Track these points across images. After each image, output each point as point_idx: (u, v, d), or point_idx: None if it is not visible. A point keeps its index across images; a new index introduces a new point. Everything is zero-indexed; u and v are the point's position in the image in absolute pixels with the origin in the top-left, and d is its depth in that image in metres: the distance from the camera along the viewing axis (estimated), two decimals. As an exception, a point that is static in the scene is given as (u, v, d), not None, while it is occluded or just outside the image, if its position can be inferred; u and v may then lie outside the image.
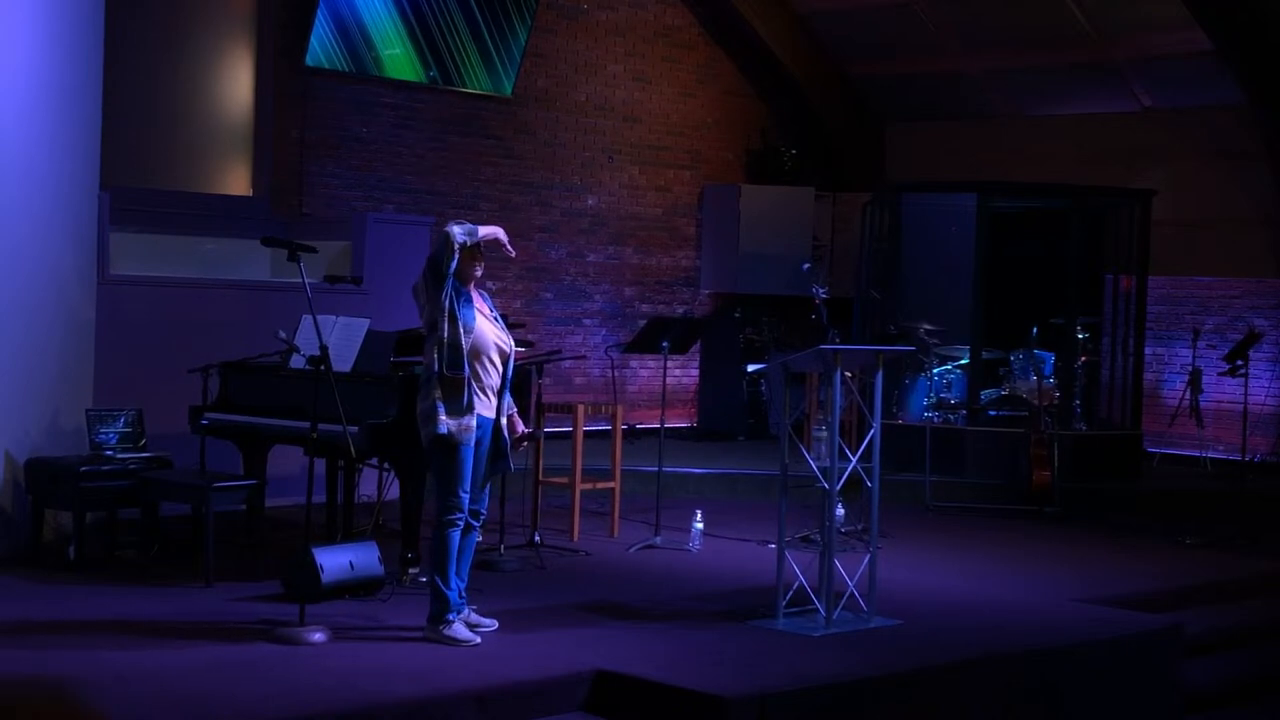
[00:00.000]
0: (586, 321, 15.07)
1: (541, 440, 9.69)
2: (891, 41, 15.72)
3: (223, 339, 9.55)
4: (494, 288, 14.26)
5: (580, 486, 9.79)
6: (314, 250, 7.81)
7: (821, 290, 10.30)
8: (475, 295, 7.16)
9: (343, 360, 8.30)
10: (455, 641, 6.80)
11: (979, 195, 13.29)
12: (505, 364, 7.19)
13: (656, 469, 10.14)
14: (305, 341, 7.90)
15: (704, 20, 15.84)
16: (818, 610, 7.47)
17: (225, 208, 12.22)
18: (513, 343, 7.27)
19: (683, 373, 15.52)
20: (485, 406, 7.07)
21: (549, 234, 14.75)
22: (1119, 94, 15.04)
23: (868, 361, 8.06)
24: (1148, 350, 13.88)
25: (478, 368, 7.02)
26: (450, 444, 6.93)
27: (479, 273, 7.14)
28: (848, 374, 8.18)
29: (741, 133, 16.19)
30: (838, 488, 7.56)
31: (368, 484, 9.56)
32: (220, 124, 12.54)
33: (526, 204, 14.55)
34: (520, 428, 7.37)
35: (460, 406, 6.92)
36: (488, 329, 7.10)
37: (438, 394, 6.92)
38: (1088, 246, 13.55)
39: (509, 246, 7.29)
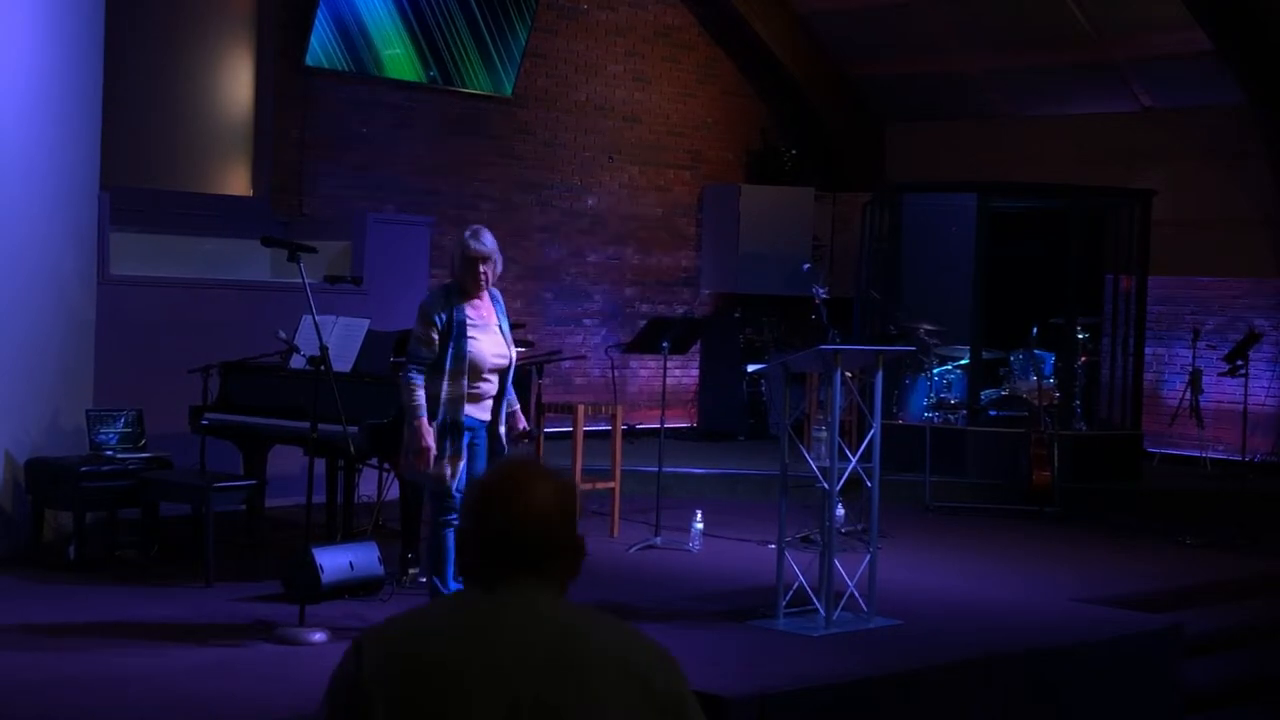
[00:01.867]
0: (586, 321, 15.07)
1: (541, 440, 9.69)
2: (891, 41, 15.73)
3: (223, 339, 9.56)
4: (494, 288, 14.26)
5: (580, 486, 9.79)
6: (314, 250, 7.82)
7: (821, 290, 10.30)
8: (484, 301, 7.18)
9: (343, 360, 8.30)
10: None
11: (979, 195, 13.29)
12: (505, 372, 7.23)
13: (656, 469, 10.13)
14: (305, 341, 7.90)
15: (704, 20, 15.84)
16: (818, 610, 7.46)
17: (225, 208, 12.22)
18: (513, 352, 7.28)
19: (683, 373, 15.52)
20: (480, 410, 7.15)
21: (549, 234, 14.75)
22: (1119, 94, 15.04)
23: (868, 361, 8.06)
24: (1148, 350, 13.88)
25: (472, 379, 7.12)
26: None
27: (485, 280, 7.12)
28: (848, 374, 8.18)
29: (741, 133, 16.19)
30: (838, 488, 7.55)
31: (368, 484, 9.56)
32: (220, 124, 12.54)
33: (526, 204, 14.55)
34: (521, 424, 7.43)
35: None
36: (486, 345, 7.12)
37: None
38: (1088, 246, 13.55)
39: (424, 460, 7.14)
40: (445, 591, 6.98)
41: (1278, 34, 13.57)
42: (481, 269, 7.08)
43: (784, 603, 7.50)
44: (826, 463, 7.60)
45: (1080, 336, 13.14)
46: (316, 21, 12.67)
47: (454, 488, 7.06)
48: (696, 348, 14.92)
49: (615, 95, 15.23)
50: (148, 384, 9.60)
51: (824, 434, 8.61)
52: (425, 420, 7.04)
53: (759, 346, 15.02)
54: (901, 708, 6.73)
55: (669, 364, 11.17)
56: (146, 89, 11.91)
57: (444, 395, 7.02)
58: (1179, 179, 14.48)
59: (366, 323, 8.70)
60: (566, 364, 13.94)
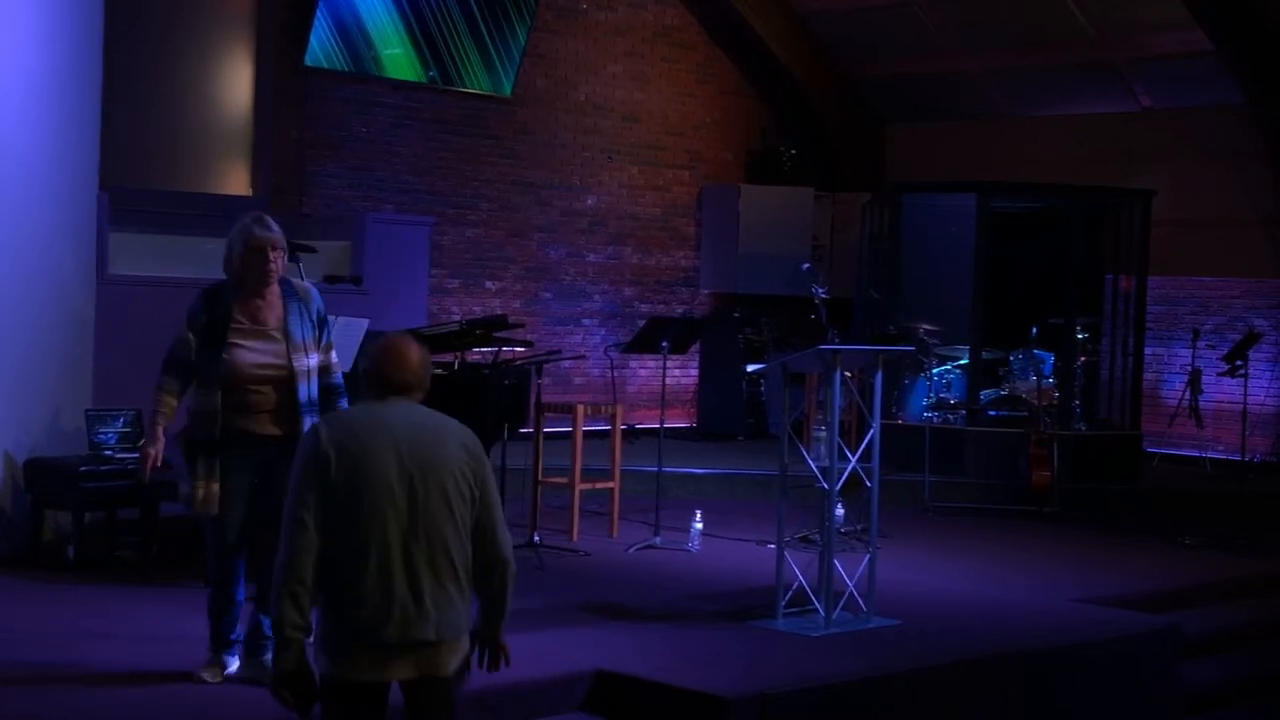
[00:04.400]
0: (586, 321, 15.07)
1: (541, 440, 9.69)
2: (892, 41, 15.72)
3: (222, 339, 9.53)
4: (492, 288, 14.27)
5: (580, 486, 9.78)
6: (314, 250, 7.82)
7: (821, 290, 10.29)
8: (269, 301, 6.17)
9: (342, 360, 8.28)
10: (214, 679, 6.00)
11: (979, 195, 13.28)
12: (289, 382, 6.08)
13: (656, 469, 10.13)
14: (305, 341, 7.87)
15: (703, 20, 15.83)
16: (817, 610, 7.46)
17: (225, 208, 12.20)
18: (304, 362, 6.13)
19: (682, 373, 15.52)
20: (254, 422, 6.07)
21: (548, 234, 14.75)
22: (1119, 94, 15.04)
23: (867, 361, 8.06)
24: (1147, 350, 13.88)
25: (237, 391, 6.07)
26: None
27: (274, 271, 6.18)
28: (847, 374, 8.18)
29: (741, 133, 16.19)
30: (837, 488, 7.55)
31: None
32: (220, 124, 12.53)
33: (526, 204, 14.55)
34: None
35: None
36: (250, 353, 6.05)
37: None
38: (1088, 246, 13.55)
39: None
40: (221, 626, 6.07)
41: (1278, 34, 13.57)
42: (271, 257, 6.15)
43: (783, 603, 7.50)
44: (826, 463, 7.60)
45: (1080, 336, 13.14)
46: (316, 21, 12.67)
47: (212, 513, 6.04)
48: (696, 348, 14.92)
49: (615, 95, 15.23)
50: (147, 384, 9.54)
51: (824, 434, 8.60)
52: (158, 425, 6.13)
53: (758, 346, 15.02)
54: (901, 708, 6.73)
55: (668, 364, 11.16)
56: (146, 89, 11.91)
57: (193, 407, 6.07)
58: (1179, 179, 14.48)
59: (366, 322, 8.69)
60: (566, 364, 13.93)
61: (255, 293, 6.13)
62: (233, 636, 6.13)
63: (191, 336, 6.14)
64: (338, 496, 4.25)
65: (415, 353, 4.45)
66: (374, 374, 4.43)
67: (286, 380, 6.07)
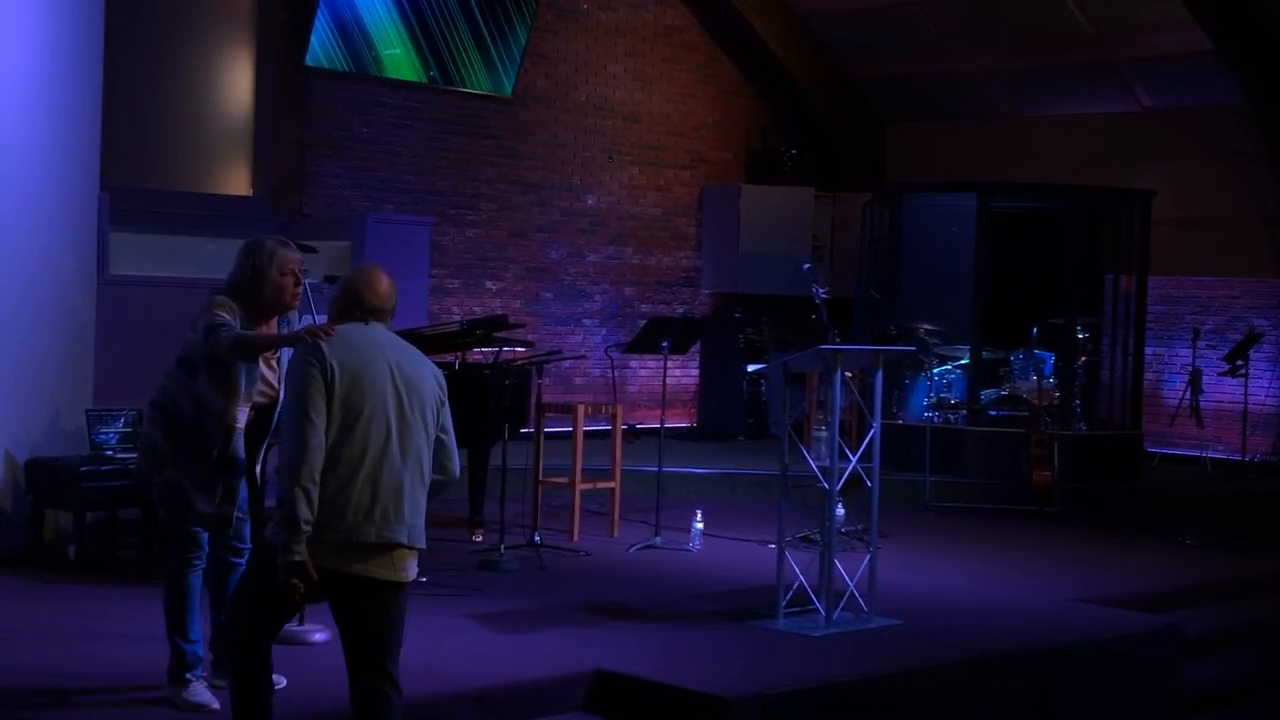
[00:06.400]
0: (586, 321, 15.07)
1: (542, 440, 9.69)
2: (891, 41, 15.73)
3: (223, 339, 9.53)
4: (493, 288, 14.28)
5: (580, 486, 9.78)
6: (314, 250, 7.80)
7: (821, 290, 10.29)
8: (271, 326, 5.97)
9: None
10: (194, 707, 5.76)
11: (979, 195, 13.29)
12: (269, 410, 6.04)
13: (656, 469, 10.13)
14: (305, 341, 7.87)
15: (704, 20, 15.83)
16: (818, 610, 7.47)
17: (225, 208, 12.22)
18: (280, 391, 6.02)
19: (683, 373, 15.52)
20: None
21: (549, 234, 14.75)
22: (1119, 94, 15.04)
23: (868, 361, 8.06)
24: (1148, 350, 13.88)
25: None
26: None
27: (298, 293, 5.95)
28: (848, 374, 8.18)
29: (741, 133, 16.19)
30: (838, 488, 7.55)
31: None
32: (220, 124, 12.53)
33: (526, 204, 14.55)
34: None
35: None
36: (261, 372, 5.95)
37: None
38: (1088, 246, 13.55)
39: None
40: (185, 645, 5.87)
41: (1278, 34, 13.57)
42: (301, 280, 5.88)
43: (784, 603, 7.50)
44: (826, 462, 7.60)
45: (1080, 336, 13.14)
46: (316, 21, 12.67)
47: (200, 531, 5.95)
48: (696, 348, 14.92)
49: (615, 95, 15.23)
50: (148, 384, 9.53)
51: (824, 434, 8.60)
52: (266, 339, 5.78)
53: (759, 346, 15.02)
54: (901, 708, 6.73)
55: (669, 364, 11.17)
56: (146, 89, 11.91)
57: (221, 415, 5.88)
58: (1179, 179, 14.48)
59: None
60: (566, 364, 13.94)
61: (266, 319, 5.87)
62: (201, 653, 5.93)
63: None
64: (339, 405, 4.72)
65: (386, 279, 4.99)
66: (353, 299, 4.91)
67: (270, 406, 6.01)
